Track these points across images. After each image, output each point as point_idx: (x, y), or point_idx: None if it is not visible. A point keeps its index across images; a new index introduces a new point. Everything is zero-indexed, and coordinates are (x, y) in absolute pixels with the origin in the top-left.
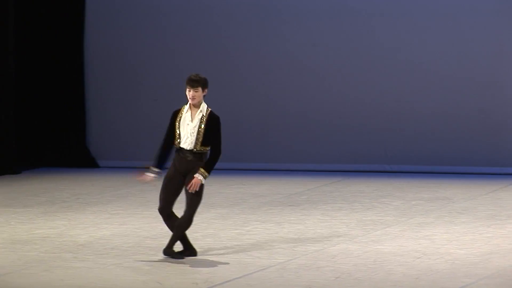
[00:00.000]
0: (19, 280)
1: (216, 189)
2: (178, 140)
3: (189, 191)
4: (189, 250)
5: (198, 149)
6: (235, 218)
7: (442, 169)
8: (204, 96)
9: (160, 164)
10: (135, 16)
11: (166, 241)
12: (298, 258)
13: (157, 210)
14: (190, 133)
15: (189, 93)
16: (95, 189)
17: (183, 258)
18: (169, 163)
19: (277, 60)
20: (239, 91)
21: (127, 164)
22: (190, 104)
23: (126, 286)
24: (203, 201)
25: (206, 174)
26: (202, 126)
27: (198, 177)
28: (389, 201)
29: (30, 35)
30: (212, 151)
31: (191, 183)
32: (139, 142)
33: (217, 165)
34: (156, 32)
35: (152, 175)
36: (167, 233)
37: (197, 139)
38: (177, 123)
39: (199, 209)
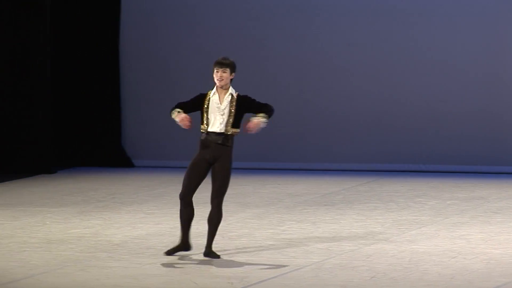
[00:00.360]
0: (54, 280)
1: (252, 189)
2: (206, 125)
3: (248, 130)
4: (186, 244)
5: (228, 130)
6: (270, 218)
7: (477, 168)
8: (231, 80)
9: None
10: (171, 15)
11: (201, 241)
12: (333, 258)
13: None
14: (220, 115)
15: (217, 74)
16: (130, 189)
17: (219, 257)
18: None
19: (312, 60)
20: (275, 90)
21: (162, 163)
22: (217, 87)
23: (161, 285)
24: (238, 200)
25: (266, 116)
26: (234, 106)
27: (258, 118)
28: (424, 200)
29: (66, 35)
30: (265, 108)
31: (251, 123)
32: (175, 141)
33: (252, 165)
34: (192, 31)
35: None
36: (202, 233)
37: (227, 120)
38: (204, 107)
39: (234, 209)
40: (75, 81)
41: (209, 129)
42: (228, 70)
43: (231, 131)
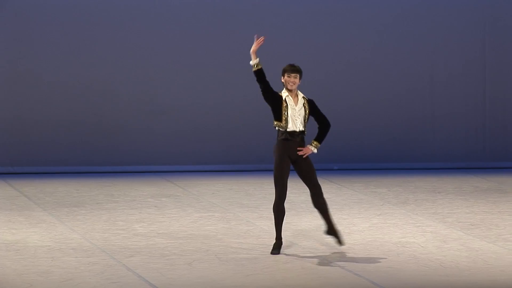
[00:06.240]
0: None
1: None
2: (285, 124)
3: (299, 153)
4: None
5: (304, 129)
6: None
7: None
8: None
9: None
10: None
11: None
12: None
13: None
14: (298, 115)
15: (289, 79)
16: None
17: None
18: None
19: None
20: None
21: None
22: (286, 91)
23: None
24: None
25: (318, 145)
26: (306, 107)
27: (311, 148)
28: None
29: None
30: (323, 125)
31: (306, 149)
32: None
33: None
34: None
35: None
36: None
37: (303, 120)
38: (284, 105)
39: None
40: None
41: (289, 128)
42: (298, 76)
43: (305, 129)
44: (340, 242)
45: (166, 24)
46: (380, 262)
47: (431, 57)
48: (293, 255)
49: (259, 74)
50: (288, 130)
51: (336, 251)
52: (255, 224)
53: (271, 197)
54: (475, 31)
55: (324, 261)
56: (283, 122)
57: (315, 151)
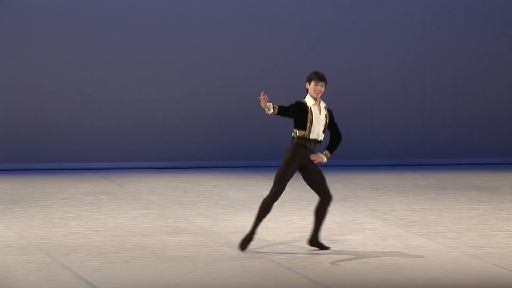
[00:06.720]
0: None
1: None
2: (308, 133)
3: (311, 158)
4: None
5: (322, 139)
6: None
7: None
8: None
9: (280, 107)
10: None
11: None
12: None
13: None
14: (320, 125)
15: (316, 87)
16: None
17: (328, 248)
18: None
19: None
20: None
21: None
22: (311, 98)
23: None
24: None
25: (329, 155)
26: (327, 117)
27: (322, 156)
28: None
29: None
30: (335, 136)
31: (318, 157)
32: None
33: None
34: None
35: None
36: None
37: (324, 129)
38: (308, 115)
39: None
40: None
41: (311, 136)
42: (324, 84)
43: (322, 138)
44: (325, 248)
45: (103, 21)
46: (319, 259)
47: (370, 54)
48: (231, 253)
49: (280, 113)
50: (309, 138)
51: (275, 248)
52: (193, 222)
53: (209, 194)
54: (414, 28)
55: (262, 259)
56: (306, 130)
57: (325, 160)
